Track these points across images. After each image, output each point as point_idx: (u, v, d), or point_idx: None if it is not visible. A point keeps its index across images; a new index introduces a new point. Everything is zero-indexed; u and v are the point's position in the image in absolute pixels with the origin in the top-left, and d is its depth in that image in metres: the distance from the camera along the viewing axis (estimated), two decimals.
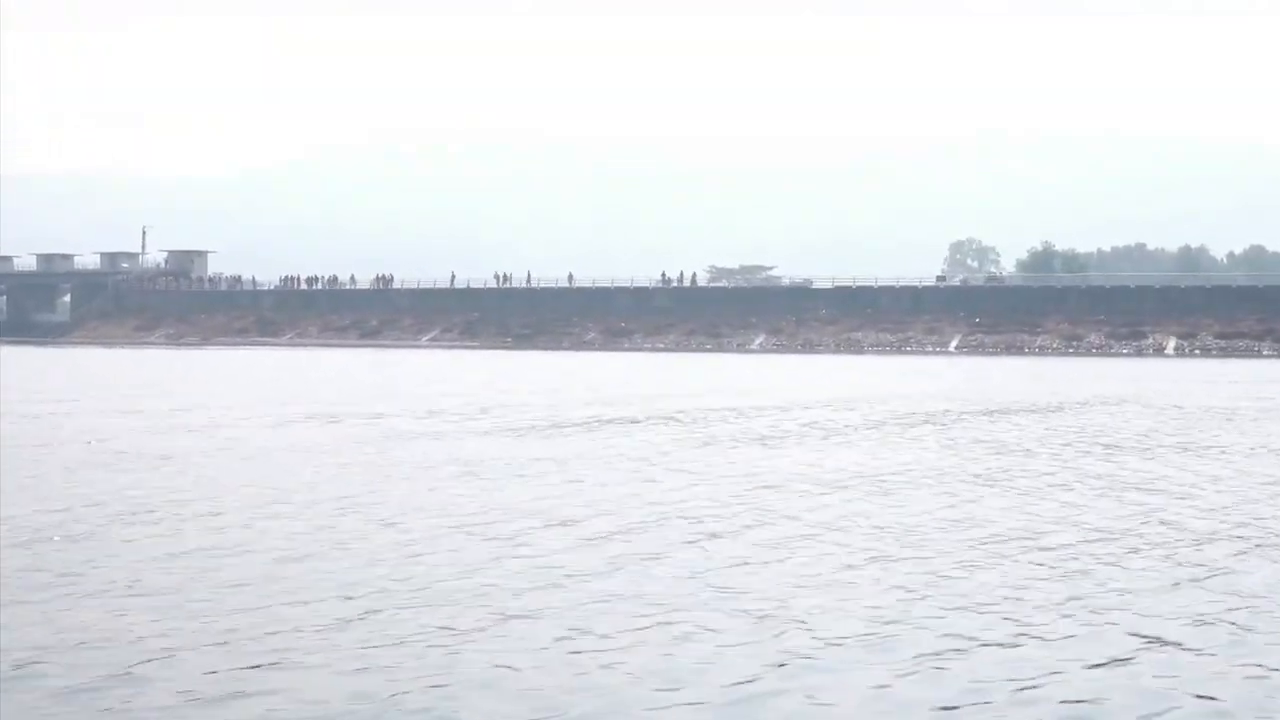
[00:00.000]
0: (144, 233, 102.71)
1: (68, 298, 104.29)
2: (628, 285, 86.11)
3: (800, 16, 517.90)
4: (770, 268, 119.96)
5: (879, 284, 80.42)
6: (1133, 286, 77.17)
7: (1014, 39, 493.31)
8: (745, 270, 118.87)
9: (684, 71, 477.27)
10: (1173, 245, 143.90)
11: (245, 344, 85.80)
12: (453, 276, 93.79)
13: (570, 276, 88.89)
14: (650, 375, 43.43)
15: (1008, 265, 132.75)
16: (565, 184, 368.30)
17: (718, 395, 29.75)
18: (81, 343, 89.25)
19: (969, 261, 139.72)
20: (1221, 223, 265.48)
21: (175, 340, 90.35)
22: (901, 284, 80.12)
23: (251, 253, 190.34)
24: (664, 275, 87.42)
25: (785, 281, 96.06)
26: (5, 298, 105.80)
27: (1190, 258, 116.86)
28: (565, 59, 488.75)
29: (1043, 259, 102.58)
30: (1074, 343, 70.74)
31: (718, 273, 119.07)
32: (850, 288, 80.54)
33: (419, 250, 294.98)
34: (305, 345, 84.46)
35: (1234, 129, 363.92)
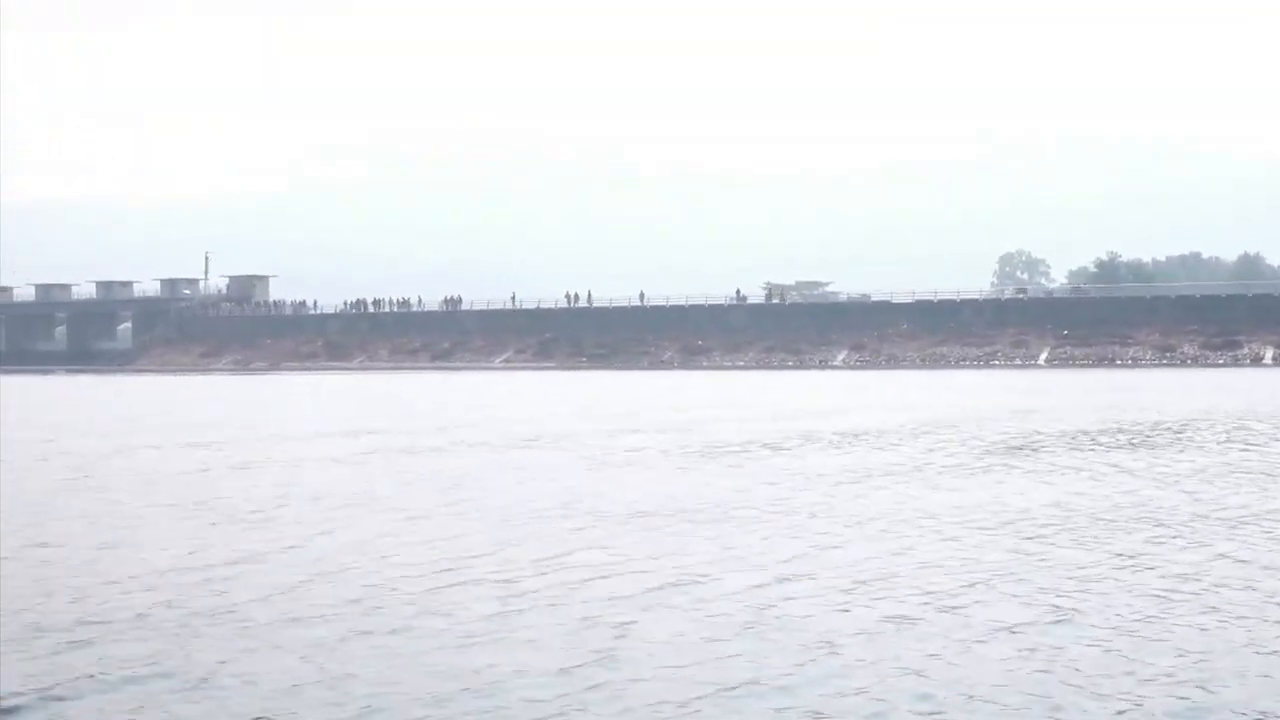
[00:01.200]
0: (206, 259, 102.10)
1: (128, 325, 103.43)
2: (702, 303, 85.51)
3: (799, 17, 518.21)
4: (827, 283, 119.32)
5: (961, 297, 79.56)
6: (1224, 295, 76.23)
7: (1010, 39, 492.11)
8: (802, 285, 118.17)
9: (683, 72, 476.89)
10: (1201, 252, 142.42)
11: (316, 369, 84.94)
12: (514, 296, 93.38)
13: (642, 295, 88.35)
14: (778, 392, 42.58)
15: (1058, 276, 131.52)
16: (565, 184, 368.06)
17: (901, 412, 28.87)
18: (148, 370, 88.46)
19: (1018, 274, 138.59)
20: (1223, 228, 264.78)
21: (243, 366, 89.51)
22: (985, 297, 79.32)
23: (255, 260, 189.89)
24: (738, 292, 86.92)
25: (843, 296, 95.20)
26: (65, 326, 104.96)
27: (1250, 265, 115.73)
28: (565, 59, 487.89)
29: (1109, 269, 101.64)
30: (1167, 354, 69.75)
31: (774, 288, 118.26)
32: (931, 301, 79.64)
33: (421, 252, 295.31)
34: (377, 369, 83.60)
35: (1233, 133, 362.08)
